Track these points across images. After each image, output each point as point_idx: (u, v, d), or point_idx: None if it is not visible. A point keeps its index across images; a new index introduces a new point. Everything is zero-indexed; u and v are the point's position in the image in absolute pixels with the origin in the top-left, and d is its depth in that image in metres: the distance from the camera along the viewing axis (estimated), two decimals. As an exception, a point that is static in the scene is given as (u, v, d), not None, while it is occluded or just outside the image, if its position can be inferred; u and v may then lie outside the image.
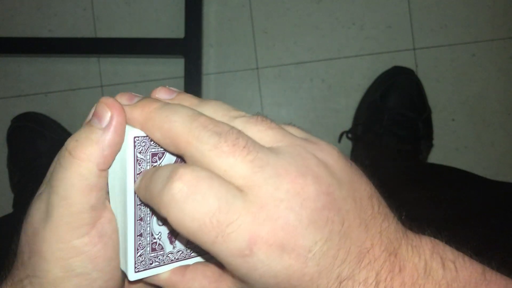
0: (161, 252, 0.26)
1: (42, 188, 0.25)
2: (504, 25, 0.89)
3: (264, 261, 0.20)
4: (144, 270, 0.26)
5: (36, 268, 0.24)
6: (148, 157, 0.24)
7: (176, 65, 0.88)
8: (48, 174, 0.26)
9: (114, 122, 0.23)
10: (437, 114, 0.88)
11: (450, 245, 0.23)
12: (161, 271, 0.26)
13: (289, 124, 0.24)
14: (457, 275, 0.21)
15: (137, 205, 0.25)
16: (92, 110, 0.24)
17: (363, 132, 0.85)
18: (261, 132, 0.22)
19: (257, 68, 0.89)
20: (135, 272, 0.25)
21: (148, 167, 0.24)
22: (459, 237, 0.23)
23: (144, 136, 0.24)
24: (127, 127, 0.24)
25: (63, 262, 0.23)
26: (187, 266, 0.27)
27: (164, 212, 0.21)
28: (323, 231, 0.20)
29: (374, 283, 0.21)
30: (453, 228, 0.42)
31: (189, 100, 0.24)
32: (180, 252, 0.27)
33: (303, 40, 0.89)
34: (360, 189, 0.23)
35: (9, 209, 0.82)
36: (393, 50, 0.89)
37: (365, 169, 0.25)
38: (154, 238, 0.26)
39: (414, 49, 0.89)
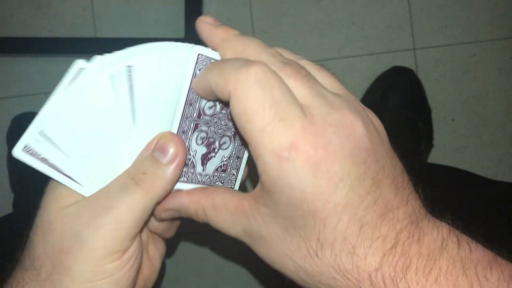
0: (192, 170, 0.27)
1: (65, 204, 0.24)
2: (504, 25, 0.89)
3: (298, 170, 0.20)
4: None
5: (57, 285, 0.23)
6: None
7: (176, 65, 0.88)
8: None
9: (178, 160, 0.24)
10: (437, 114, 0.88)
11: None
12: (186, 188, 0.27)
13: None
14: (471, 254, 0.21)
15: (183, 118, 0.25)
16: (154, 141, 0.25)
17: (363, 132, 0.85)
18: (322, 78, 0.24)
19: (257, 68, 0.89)
20: None
21: None
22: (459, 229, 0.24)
23: (207, 56, 0.25)
24: (191, 45, 0.25)
25: (90, 284, 0.23)
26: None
27: (232, 88, 0.21)
28: (359, 168, 0.21)
29: (393, 242, 0.21)
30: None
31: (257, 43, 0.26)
32: (208, 176, 0.28)
33: (303, 40, 0.89)
34: (395, 159, 0.24)
35: (9, 209, 0.82)
36: (393, 50, 0.89)
37: None
38: (189, 155, 0.27)
39: (414, 49, 0.89)
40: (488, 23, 0.89)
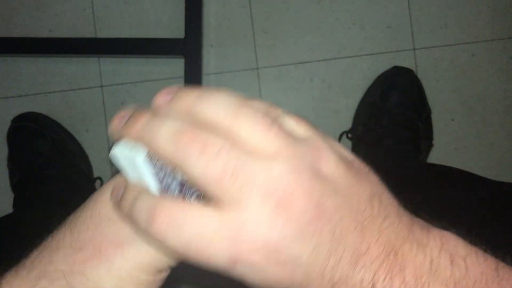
0: None
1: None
2: (504, 25, 0.89)
3: (250, 272, 0.21)
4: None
5: (90, 270, 0.24)
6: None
7: (176, 65, 0.88)
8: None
9: None
10: (437, 114, 0.88)
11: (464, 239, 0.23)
12: None
13: (295, 116, 0.24)
14: (466, 273, 0.21)
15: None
16: None
17: (363, 132, 0.85)
18: (257, 137, 0.22)
19: (257, 68, 0.89)
20: None
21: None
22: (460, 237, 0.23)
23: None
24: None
25: (120, 283, 0.24)
26: None
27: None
28: (310, 242, 0.21)
29: (370, 284, 0.21)
30: (453, 229, 0.42)
31: (186, 98, 0.23)
32: None
33: (303, 40, 0.89)
34: (359, 192, 0.23)
35: (9, 209, 0.82)
36: (393, 50, 0.89)
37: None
38: None
39: (414, 49, 0.89)
40: (488, 23, 0.89)
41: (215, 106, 0.22)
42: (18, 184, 0.83)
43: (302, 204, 0.21)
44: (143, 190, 0.23)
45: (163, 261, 0.25)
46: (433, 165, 0.83)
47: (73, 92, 0.90)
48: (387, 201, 0.23)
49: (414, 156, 0.81)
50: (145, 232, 0.22)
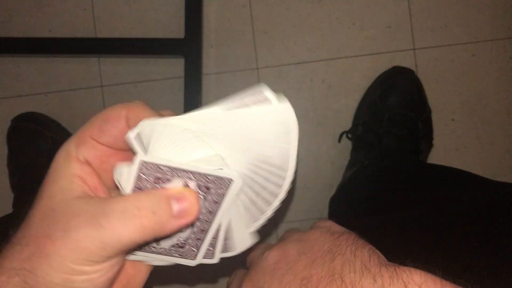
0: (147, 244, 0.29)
1: (68, 197, 0.26)
2: (504, 25, 0.89)
3: None
4: (135, 253, 0.29)
5: (36, 267, 0.24)
6: (151, 179, 0.26)
7: (176, 65, 0.88)
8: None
9: (186, 218, 0.26)
10: (437, 114, 0.88)
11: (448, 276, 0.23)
12: (143, 258, 0.29)
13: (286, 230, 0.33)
14: None
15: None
16: (174, 190, 0.26)
17: (363, 132, 0.85)
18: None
19: (257, 68, 0.89)
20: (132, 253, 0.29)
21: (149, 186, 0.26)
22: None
23: (151, 163, 0.26)
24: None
25: (66, 276, 0.24)
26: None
27: None
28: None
29: None
30: (454, 229, 0.42)
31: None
32: (163, 249, 0.29)
33: (303, 40, 0.89)
34: (330, 263, 0.27)
35: (9, 209, 0.82)
36: (393, 50, 0.89)
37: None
38: None
39: (414, 49, 0.89)
40: (488, 23, 0.89)
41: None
42: (18, 184, 0.83)
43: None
44: None
45: (99, 256, 0.24)
46: (433, 165, 0.83)
47: (73, 92, 0.90)
48: (359, 256, 0.26)
49: (414, 156, 0.81)
50: None
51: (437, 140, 0.88)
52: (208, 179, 0.26)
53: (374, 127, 0.83)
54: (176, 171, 0.26)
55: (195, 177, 0.26)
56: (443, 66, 0.90)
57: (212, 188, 0.26)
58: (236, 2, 0.89)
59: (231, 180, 0.26)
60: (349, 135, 0.87)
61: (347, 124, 0.89)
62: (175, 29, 0.89)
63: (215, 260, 0.30)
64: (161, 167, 0.26)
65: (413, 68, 0.88)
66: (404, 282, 0.22)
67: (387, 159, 0.80)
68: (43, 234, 0.24)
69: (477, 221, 0.48)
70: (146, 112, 0.26)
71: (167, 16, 0.89)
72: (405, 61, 0.89)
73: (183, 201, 0.25)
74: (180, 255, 0.29)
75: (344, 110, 0.89)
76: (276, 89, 0.95)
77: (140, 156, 0.25)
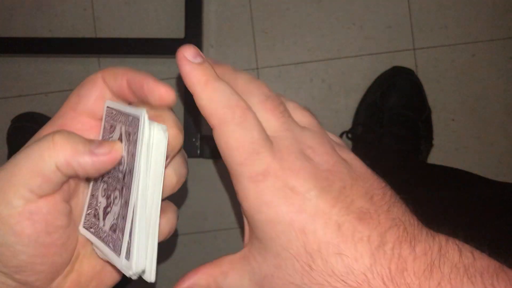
0: (97, 223, 0.26)
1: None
2: (504, 25, 0.89)
3: (270, 188, 0.23)
4: (87, 229, 0.27)
5: None
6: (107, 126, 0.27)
7: (176, 65, 0.88)
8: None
9: (113, 155, 0.25)
10: (437, 114, 0.88)
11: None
12: (94, 241, 0.26)
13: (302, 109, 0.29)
14: (474, 262, 0.21)
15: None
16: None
17: (363, 132, 0.85)
18: (298, 115, 0.27)
19: (257, 68, 0.89)
20: (83, 226, 0.27)
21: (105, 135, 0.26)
22: (460, 238, 0.23)
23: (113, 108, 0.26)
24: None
25: (11, 209, 0.23)
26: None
27: (216, 124, 0.25)
28: (322, 182, 0.23)
29: (378, 241, 0.21)
30: (453, 229, 0.42)
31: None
32: (105, 234, 0.26)
33: (303, 40, 0.89)
34: (373, 181, 0.25)
35: (9, 209, 0.82)
36: (393, 50, 0.89)
37: None
38: (97, 205, 0.27)
39: (414, 49, 0.89)
40: (488, 23, 0.89)
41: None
42: (18, 184, 0.83)
43: (323, 158, 0.25)
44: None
45: (12, 195, 0.23)
46: (433, 165, 0.83)
47: (73, 92, 0.90)
48: (398, 199, 0.25)
49: (414, 156, 0.81)
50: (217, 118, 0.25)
51: (437, 140, 0.88)
52: (128, 122, 0.25)
53: (374, 127, 0.83)
54: (118, 116, 0.26)
55: (121, 122, 0.25)
56: (443, 66, 0.90)
57: (131, 134, 0.25)
58: (236, 2, 0.89)
59: (138, 118, 0.24)
60: (349, 135, 0.87)
61: (347, 124, 0.89)
62: (175, 29, 0.89)
63: (133, 266, 0.23)
64: (113, 111, 0.26)
65: (413, 68, 0.88)
66: (458, 246, 0.22)
67: (387, 159, 0.80)
68: None
69: (477, 221, 0.48)
70: (120, 69, 0.27)
71: (167, 16, 0.89)
72: (405, 61, 0.89)
73: (101, 145, 0.24)
74: (112, 245, 0.25)
75: (344, 110, 0.89)
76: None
77: (107, 102, 0.26)
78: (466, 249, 0.22)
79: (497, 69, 0.90)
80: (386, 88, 0.84)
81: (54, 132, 0.24)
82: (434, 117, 0.87)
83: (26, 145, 0.26)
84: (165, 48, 0.85)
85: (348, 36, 0.89)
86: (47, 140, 0.24)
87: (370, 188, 0.24)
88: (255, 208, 0.23)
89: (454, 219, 0.48)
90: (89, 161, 0.23)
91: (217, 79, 0.25)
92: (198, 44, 0.84)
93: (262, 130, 0.25)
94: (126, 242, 0.24)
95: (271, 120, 0.25)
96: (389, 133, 0.81)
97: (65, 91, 0.90)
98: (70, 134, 0.24)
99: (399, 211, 0.23)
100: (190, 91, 0.26)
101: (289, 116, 0.26)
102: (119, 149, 0.25)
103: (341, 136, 0.88)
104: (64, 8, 0.90)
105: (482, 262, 0.21)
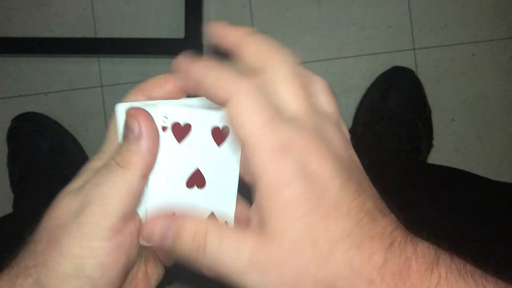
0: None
1: (73, 186, 0.26)
2: (504, 25, 0.89)
3: (292, 164, 0.22)
4: None
5: (48, 258, 0.24)
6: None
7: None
8: (81, 181, 0.26)
9: (143, 129, 0.25)
10: (437, 114, 0.88)
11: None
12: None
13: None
14: (465, 265, 0.22)
15: None
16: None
17: (363, 132, 0.85)
18: (321, 97, 0.27)
19: (257, 68, 0.89)
20: None
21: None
22: (460, 238, 0.23)
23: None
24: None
25: (76, 260, 0.24)
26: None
27: (229, 94, 0.24)
28: (345, 172, 0.24)
29: (389, 240, 0.22)
30: (453, 229, 0.42)
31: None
32: None
33: (303, 40, 0.89)
34: (371, 184, 0.25)
35: (9, 209, 0.82)
36: (393, 50, 0.89)
37: (364, 169, 0.26)
38: None
39: (414, 49, 0.89)
40: (488, 23, 0.89)
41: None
42: (18, 184, 0.83)
43: (338, 145, 0.25)
44: None
45: (107, 218, 0.24)
46: (433, 165, 0.83)
47: (73, 92, 0.90)
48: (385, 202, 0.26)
49: (414, 156, 0.81)
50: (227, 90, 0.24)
51: (437, 140, 0.88)
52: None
53: (374, 127, 0.83)
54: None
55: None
56: (443, 66, 0.90)
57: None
58: (236, 2, 0.89)
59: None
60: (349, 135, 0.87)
61: (347, 124, 0.89)
62: (175, 29, 0.89)
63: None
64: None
65: (413, 68, 0.88)
66: (449, 254, 0.23)
67: (387, 159, 0.80)
68: (53, 225, 0.25)
69: (477, 221, 0.48)
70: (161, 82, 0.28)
71: (167, 16, 0.89)
72: (405, 61, 0.89)
73: (131, 124, 0.25)
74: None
75: (344, 110, 0.89)
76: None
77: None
78: (455, 256, 0.23)
79: (497, 69, 0.90)
80: (386, 88, 0.84)
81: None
82: (434, 117, 0.87)
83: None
84: (165, 48, 0.85)
85: (348, 36, 0.89)
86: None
87: (373, 191, 0.25)
88: (274, 184, 0.23)
89: (454, 219, 0.48)
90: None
91: (257, 36, 0.26)
92: (198, 44, 0.84)
93: (279, 103, 0.24)
94: None
95: (294, 101, 0.24)
96: (389, 133, 0.81)
97: (65, 91, 0.90)
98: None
99: (394, 214, 0.24)
100: (198, 83, 0.26)
101: (313, 98, 0.25)
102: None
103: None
104: (64, 8, 0.90)
105: (470, 266, 0.22)
